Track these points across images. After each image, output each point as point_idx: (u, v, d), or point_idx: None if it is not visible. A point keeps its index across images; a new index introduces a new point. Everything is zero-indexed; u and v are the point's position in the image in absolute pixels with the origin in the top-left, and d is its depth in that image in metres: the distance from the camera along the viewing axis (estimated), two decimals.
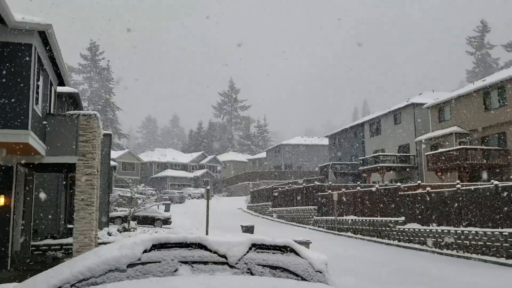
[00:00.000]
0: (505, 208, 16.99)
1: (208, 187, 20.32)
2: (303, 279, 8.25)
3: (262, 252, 7.47)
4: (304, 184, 38.45)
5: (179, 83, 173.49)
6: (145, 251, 7.32)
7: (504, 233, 16.71)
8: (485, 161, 29.26)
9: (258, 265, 7.15)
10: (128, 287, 4.93)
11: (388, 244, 22.82)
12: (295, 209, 35.70)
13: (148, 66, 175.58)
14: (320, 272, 9.30)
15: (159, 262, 7.01)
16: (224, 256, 7.11)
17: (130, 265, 7.11)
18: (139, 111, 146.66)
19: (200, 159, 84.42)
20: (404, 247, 21.57)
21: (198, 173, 78.80)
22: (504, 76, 29.84)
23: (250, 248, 7.28)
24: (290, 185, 42.01)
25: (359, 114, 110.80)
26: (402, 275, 14.09)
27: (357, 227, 26.64)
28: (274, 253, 7.53)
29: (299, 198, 35.87)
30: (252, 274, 6.93)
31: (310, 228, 30.98)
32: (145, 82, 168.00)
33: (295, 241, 17.40)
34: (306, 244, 16.54)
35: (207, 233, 18.23)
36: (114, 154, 66.98)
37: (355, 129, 50.69)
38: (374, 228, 24.95)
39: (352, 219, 27.30)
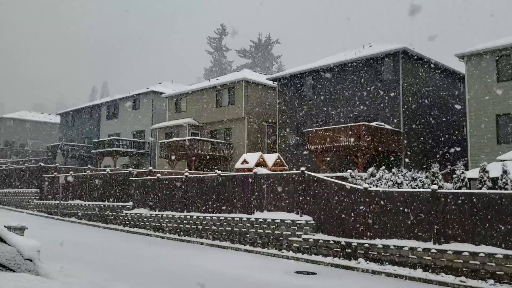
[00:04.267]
0: (226, 194, 18.71)
1: None
2: (8, 269, 7.04)
3: None
4: (26, 164, 34.43)
5: None
6: None
7: (220, 218, 18.39)
8: (213, 152, 31.89)
9: None
10: None
11: (114, 229, 22.37)
12: (12, 191, 31.63)
13: None
14: (30, 260, 8.16)
15: None
16: None
17: None
18: None
19: None
20: (130, 232, 21.48)
21: None
22: (233, 79, 33.17)
23: None
24: (8, 164, 37.05)
25: (98, 94, 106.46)
26: (118, 258, 13.84)
27: (83, 212, 25.31)
28: None
29: (17, 179, 31.89)
30: None
31: (28, 213, 27.89)
32: None
33: (8, 227, 15.01)
34: (21, 230, 14.54)
35: None
36: None
37: (92, 110, 48.42)
38: (102, 213, 24.14)
39: (78, 204, 25.78)
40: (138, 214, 21.94)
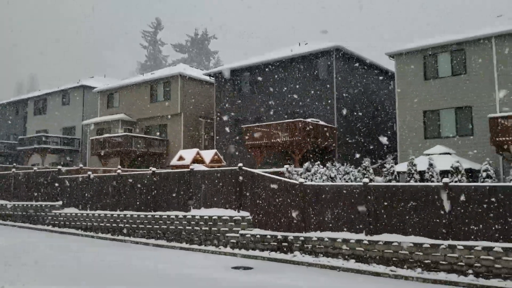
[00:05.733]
0: (161, 192, 18.26)
1: None
2: None
3: None
4: None
5: None
6: None
7: (155, 216, 17.94)
8: (147, 149, 31.08)
9: None
10: None
11: (42, 230, 21.20)
12: None
13: None
14: None
15: None
16: None
17: None
18: None
19: None
20: (60, 232, 20.44)
21: None
22: (169, 73, 32.48)
23: None
24: None
25: (25, 89, 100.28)
26: (37, 260, 13.09)
27: (8, 212, 23.77)
28: None
29: None
30: None
31: None
32: None
33: None
34: None
35: None
36: None
37: (17, 105, 45.63)
38: (28, 213, 22.79)
39: (2, 204, 24.16)
40: (69, 214, 20.93)
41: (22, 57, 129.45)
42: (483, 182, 15.42)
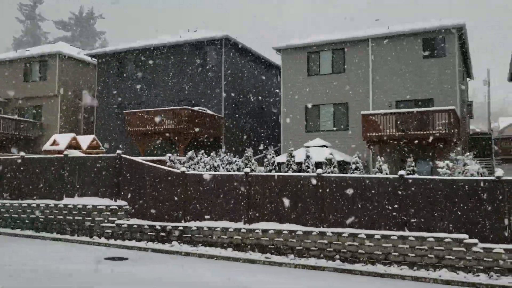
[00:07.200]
0: (31, 179, 16.81)
1: None
2: None
3: None
4: None
5: None
6: None
7: (23, 204, 16.48)
8: (19, 132, 28.41)
9: None
10: None
11: None
12: None
13: None
14: None
15: None
16: None
17: None
18: None
19: None
20: None
21: None
22: (46, 51, 29.97)
23: None
24: None
25: None
26: None
27: None
28: None
29: None
30: None
31: None
32: None
33: None
34: None
35: None
36: None
37: None
38: None
39: None
40: None
41: None
42: (352, 173, 16.55)
